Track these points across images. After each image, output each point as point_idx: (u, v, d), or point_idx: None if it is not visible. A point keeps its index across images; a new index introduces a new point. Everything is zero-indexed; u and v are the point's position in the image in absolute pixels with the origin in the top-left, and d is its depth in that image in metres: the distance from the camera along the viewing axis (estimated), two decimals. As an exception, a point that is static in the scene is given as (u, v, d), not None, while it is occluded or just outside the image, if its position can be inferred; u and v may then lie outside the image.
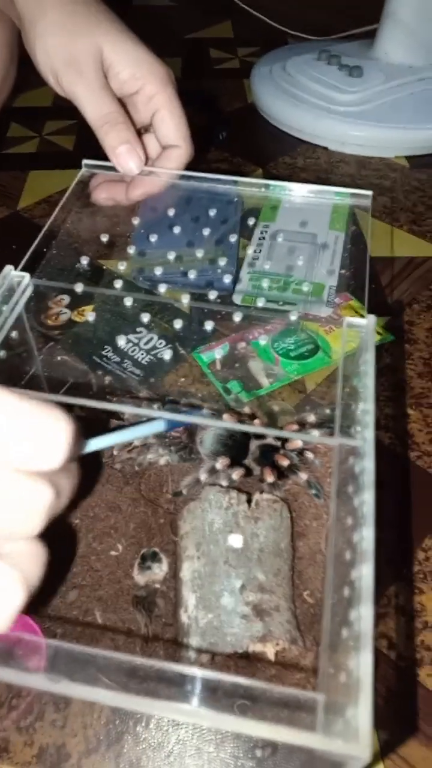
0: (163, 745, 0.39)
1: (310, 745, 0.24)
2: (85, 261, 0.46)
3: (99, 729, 0.40)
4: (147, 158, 0.52)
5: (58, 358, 0.57)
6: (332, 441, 0.34)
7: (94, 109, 0.49)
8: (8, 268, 0.43)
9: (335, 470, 0.33)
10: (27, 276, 0.43)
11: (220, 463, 0.45)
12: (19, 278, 0.43)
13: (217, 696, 0.26)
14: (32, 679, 0.26)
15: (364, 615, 0.27)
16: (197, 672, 0.26)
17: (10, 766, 0.41)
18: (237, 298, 0.65)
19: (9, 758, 0.41)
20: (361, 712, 0.25)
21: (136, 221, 0.49)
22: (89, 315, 0.53)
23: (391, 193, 0.85)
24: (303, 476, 0.44)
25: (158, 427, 0.45)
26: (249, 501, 0.44)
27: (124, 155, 0.49)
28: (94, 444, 0.37)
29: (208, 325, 0.49)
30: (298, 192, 0.52)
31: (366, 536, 0.30)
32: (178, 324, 0.59)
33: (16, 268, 0.43)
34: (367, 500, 0.31)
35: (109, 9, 0.51)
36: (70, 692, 0.26)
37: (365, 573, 0.29)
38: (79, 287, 0.44)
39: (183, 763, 0.39)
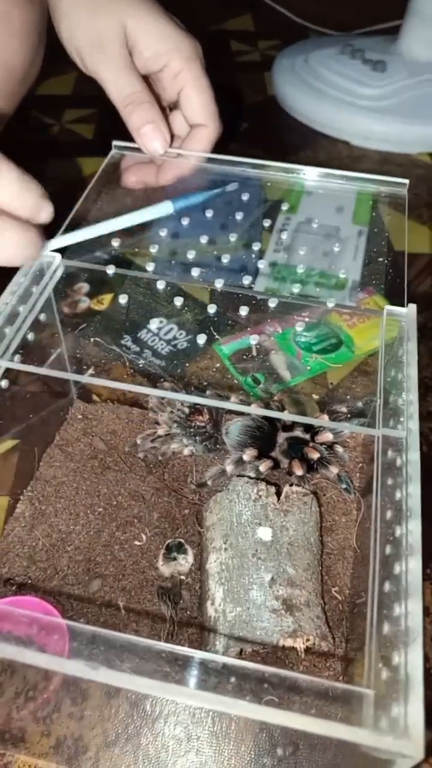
0: (182, 740, 0.38)
1: (358, 741, 0.23)
2: (116, 244, 0.45)
3: (117, 722, 0.39)
4: (173, 137, 0.51)
5: (84, 340, 0.56)
6: (374, 432, 0.33)
7: (118, 89, 0.48)
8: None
9: (377, 462, 0.32)
10: (58, 257, 0.42)
11: (248, 455, 0.44)
12: (49, 259, 0.42)
13: (255, 688, 0.25)
14: (70, 666, 0.25)
15: (412, 610, 0.27)
16: (239, 662, 0.25)
17: (27, 757, 0.40)
18: (259, 288, 0.64)
19: (26, 748, 0.40)
20: (413, 709, 0.24)
21: (164, 202, 0.48)
22: (120, 299, 0.52)
23: (414, 189, 0.84)
24: (334, 470, 0.43)
25: (166, 209, 0.44)
26: (278, 493, 0.43)
27: (148, 135, 0.48)
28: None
29: (230, 316, 0.48)
30: (325, 178, 0.51)
31: (412, 530, 0.29)
32: (199, 314, 0.58)
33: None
34: (412, 493, 0.30)
35: None
36: (108, 680, 0.25)
37: (412, 567, 0.28)
38: (110, 269, 0.43)
39: (202, 759, 0.38)
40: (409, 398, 0.34)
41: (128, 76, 0.48)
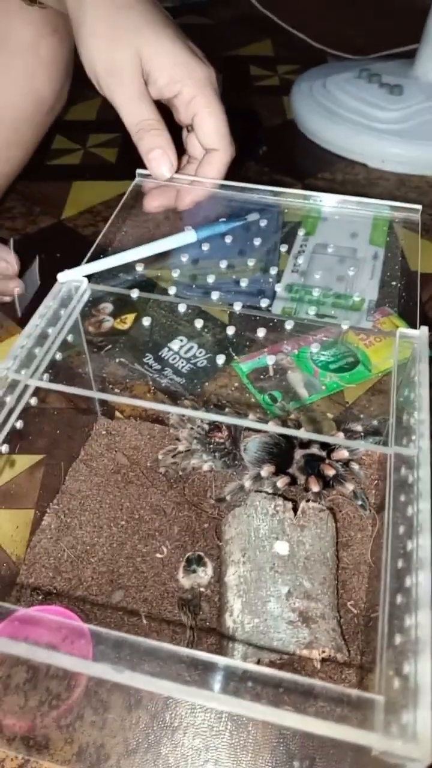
0: (201, 751, 0.40)
1: (369, 745, 0.25)
2: (139, 268, 0.47)
3: (137, 732, 0.41)
4: (183, 161, 0.53)
5: (108, 360, 0.58)
6: (387, 450, 0.35)
7: (131, 115, 0.50)
8: (67, 273, 0.44)
9: (389, 479, 0.34)
10: (85, 281, 0.44)
11: (265, 471, 0.46)
12: (77, 284, 0.44)
13: (275, 692, 0.27)
14: (96, 668, 0.26)
15: (422, 622, 0.28)
16: (256, 668, 0.27)
17: (51, 763, 0.41)
18: (276, 310, 0.66)
19: (50, 755, 0.41)
20: (421, 715, 0.25)
21: (188, 230, 0.50)
22: (144, 321, 0.54)
23: (431, 210, 0.86)
24: (349, 486, 0.45)
25: (189, 238, 0.45)
26: (295, 509, 0.44)
27: (156, 160, 0.50)
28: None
29: (249, 336, 0.49)
30: (341, 204, 0.53)
31: (423, 544, 0.30)
32: (218, 334, 0.59)
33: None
34: (423, 509, 0.31)
35: (155, 5, 0.51)
36: (133, 682, 0.26)
37: (422, 580, 0.29)
38: (134, 293, 0.45)
39: (220, 769, 0.39)
40: (421, 417, 0.35)
41: (141, 103, 0.50)
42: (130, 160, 0.53)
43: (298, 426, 0.49)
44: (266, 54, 1.30)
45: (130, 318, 0.68)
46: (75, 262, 0.46)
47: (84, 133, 1.03)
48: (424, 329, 0.40)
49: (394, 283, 0.61)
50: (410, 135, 0.92)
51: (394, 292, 0.62)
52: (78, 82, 0.73)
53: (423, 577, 0.29)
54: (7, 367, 0.39)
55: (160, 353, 0.64)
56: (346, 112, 0.97)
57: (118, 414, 0.58)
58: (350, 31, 1.29)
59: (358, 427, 0.47)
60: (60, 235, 0.82)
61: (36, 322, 0.42)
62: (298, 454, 0.48)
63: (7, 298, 0.68)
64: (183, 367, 0.63)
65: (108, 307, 0.67)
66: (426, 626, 0.28)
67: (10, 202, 0.87)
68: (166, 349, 0.65)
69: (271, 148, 1.00)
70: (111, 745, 0.41)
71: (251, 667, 0.26)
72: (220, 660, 0.27)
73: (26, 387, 0.39)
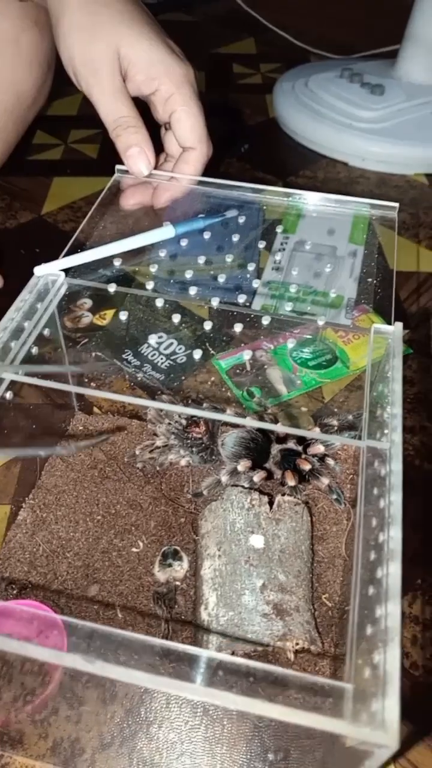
0: (176, 744, 0.40)
1: (338, 732, 0.25)
2: (117, 263, 0.47)
3: (112, 726, 0.41)
4: (161, 159, 0.53)
5: (86, 355, 0.58)
6: (360, 443, 0.35)
7: (108, 112, 0.50)
8: (44, 267, 0.44)
9: (362, 472, 0.34)
10: (62, 275, 0.44)
11: (242, 465, 0.46)
12: (54, 277, 0.44)
13: (246, 682, 0.27)
14: (68, 659, 0.27)
15: (391, 611, 0.28)
16: (228, 658, 0.27)
17: (25, 758, 0.41)
18: (256, 306, 0.66)
19: (24, 750, 0.41)
20: (390, 704, 0.25)
21: (167, 225, 0.50)
22: (121, 315, 0.54)
23: (410, 209, 0.86)
24: (325, 481, 0.45)
25: (168, 233, 0.47)
26: (270, 503, 0.44)
27: (134, 157, 0.51)
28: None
29: (228, 332, 0.49)
30: (321, 202, 0.53)
31: (394, 536, 0.31)
32: (198, 330, 0.60)
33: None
34: (394, 501, 0.32)
35: (135, 2, 0.51)
36: (105, 673, 0.26)
37: (392, 571, 0.30)
38: (112, 287, 0.45)
39: (195, 762, 0.39)
40: (394, 412, 0.35)
41: (118, 100, 0.50)
42: (111, 156, 0.53)
43: (275, 421, 0.49)
44: (249, 52, 1.30)
45: (109, 314, 0.68)
46: (55, 257, 0.46)
47: (65, 128, 1.02)
48: (399, 325, 0.40)
49: (373, 281, 0.62)
50: (391, 134, 0.93)
51: (372, 290, 0.62)
52: (59, 78, 0.73)
53: (393, 568, 0.30)
54: (-19, 360, 0.38)
55: (139, 349, 0.64)
56: (328, 111, 0.98)
57: (95, 410, 0.58)
58: (332, 31, 1.29)
59: (334, 422, 0.47)
60: (40, 230, 0.82)
61: (12, 315, 0.41)
62: (275, 449, 0.49)
63: None
64: (162, 363, 0.63)
65: (87, 302, 0.67)
66: (395, 616, 0.28)
67: (-9, 196, 0.86)
68: (145, 345, 0.65)
69: (253, 146, 1.00)
70: (86, 740, 0.41)
71: (225, 657, 0.27)
72: (193, 650, 0.27)
73: (1, 380, 0.38)
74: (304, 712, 0.25)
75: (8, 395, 0.41)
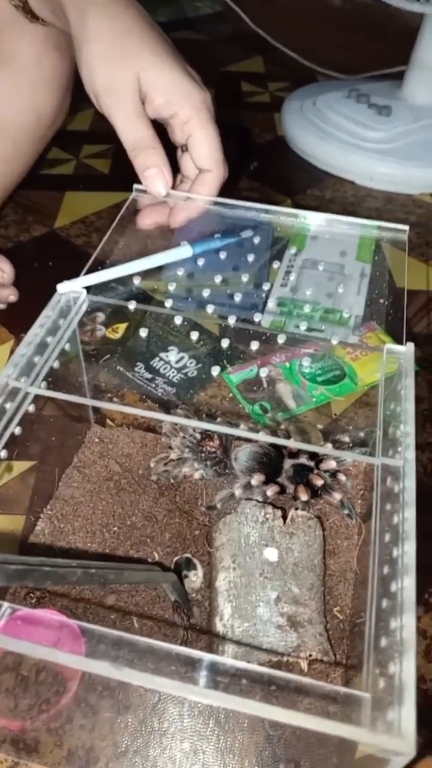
0: (189, 755, 0.41)
1: (357, 739, 0.26)
2: (136, 281, 0.48)
3: (127, 735, 0.41)
4: (177, 180, 0.54)
5: (102, 369, 0.59)
6: (374, 460, 0.36)
7: (128, 134, 0.52)
8: (67, 285, 0.45)
9: (376, 489, 0.35)
10: (84, 292, 0.45)
11: (256, 479, 0.47)
12: (76, 295, 0.45)
13: (267, 690, 0.28)
14: (97, 666, 0.28)
15: (406, 623, 0.29)
16: (250, 666, 0.28)
17: (40, 766, 0.42)
18: (265, 323, 0.67)
19: (39, 758, 0.42)
20: (406, 712, 0.26)
21: (185, 245, 0.51)
22: (141, 332, 0.56)
23: (416, 228, 0.88)
24: (337, 496, 0.46)
25: (185, 253, 0.48)
26: (284, 517, 0.45)
27: (152, 178, 0.52)
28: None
29: (239, 347, 0.51)
30: (330, 223, 0.55)
31: (408, 551, 0.32)
32: (210, 345, 0.61)
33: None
34: (408, 517, 0.33)
35: (154, 29, 0.53)
36: (132, 680, 0.27)
37: (407, 585, 0.31)
38: (131, 305, 0.46)
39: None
40: (407, 430, 0.37)
41: (137, 123, 0.51)
42: (122, 171, 0.54)
43: (287, 436, 0.50)
44: (258, 71, 1.33)
45: (121, 327, 0.69)
46: (68, 271, 0.47)
47: (77, 143, 1.04)
48: (410, 345, 0.41)
49: (381, 300, 0.63)
50: (398, 155, 0.95)
51: (380, 309, 0.64)
52: (72, 94, 0.74)
53: (408, 581, 0.31)
54: (8, 375, 0.40)
55: (151, 363, 0.66)
56: (335, 131, 1.00)
57: (109, 422, 0.59)
58: (340, 51, 1.32)
59: (346, 439, 0.48)
60: (53, 245, 0.83)
61: (36, 331, 0.43)
62: (287, 464, 0.50)
63: (1, 306, 0.69)
64: (174, 376, 0.65)
65: (100, 316, 0.68)
66: (410, 628, 0.29)
67: (4, 210, 0.88)
68: (157, 359, 0.66)
69: (261, 164, 1.02)
70: (100, 748, 0.42)
71: (247, 666, 0.28)
72: (215, 658, 0.28)
73: (26, 394, 0.40)
74: (324, 719, 0.26)
75: (31, 408, 0.42)
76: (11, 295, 0.67)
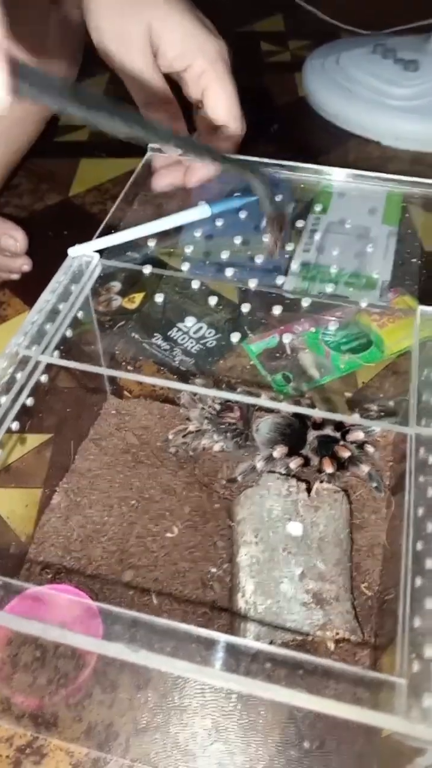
0: (210, 731, 0.39)
1: (391, 728, 0.24)
2: (151, 244, 0.46)
3: (146, 711, 0.40)
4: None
5: (118, 339, 0.57)
6: (407, 430, 0.34)
7: (139, 89, 0.49)
8: (78, 248, 0.43)
9: (409, 460, 0.33)
10: (96, 257, 0.43)
11: (278, 452, 0.45)
12: (88, 259, 0.43)
13: (289, 674, 0.26)
14: (113, 648, 0.26)
15: (443, 604, 0.27)
16: (276, 650, 0.26)
17: (59, 741, 0.41)
18: (288, 287, 0.64)
19: (59, 733, 0.41)
20: (445, 700, 0.24)
21: (202, 204, 0.49)
22: (156, 298, 0.54)
23: (445, 189, 0.84)
24: (365, 468, 0.44)
25: (203, 212, 0.46)
26: (308, 490, 0.43)
27: None
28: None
29: (260, 315, 0.48)
30: (355, 180, 0.52)
31: (445, 525, 0.30)
32: (229, 313, 0.58)
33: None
34: (445, 489, 0.31)
35: None
36: (149, 662, 0.26)
37: (444, 562, 0.28)
38: (147, 269, 0.44)
39: (230, 748, 0.39)
40: (442, 397, 0.34)
41: (150, 77, 0.48)
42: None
43: (312, 406, 0.48)
44: (277, 29, 1.27)
45: (138, 297, 0.67)
46: (83, 240, 0.45)
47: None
48: (446, 307, 0.39)
49: (413, 260, 0.60)
50: (426, 112, 0.90)
51: (409, 271, 0.61)
52: (85, 59, 0.71)
53: (445, 559, 0.29)
54: (18, 343, 0.38)
55: (169, 333, 0.64)
56: (359, 89, 0.96)
57: (126, 393, 0.57)
58: (364, 6, 1.26)
59: (375, 408, 0.46)
60: (67, 213, 0.81)
61: (47, 297, 0.41)
62: (312, 435, 0.48)
63: (15, 276, 0.67)
64: (192, 347, 0.63)
65: (116, 286, 0.66)
66: (448, 609, 0.27)
67: (17, 178, 0.85)
68: (175, 329, 0.64)
69: (282, 127, 0.98)
70: (120, 724, 0.41)
71: (273, 649, 0.26)
72: (236, 640, 0.27)
73: (37, 363, 0.38)
74: (355, 707, 0.24)
75: (43, 378, 0.40)
76: (24, 264, 0.65)
